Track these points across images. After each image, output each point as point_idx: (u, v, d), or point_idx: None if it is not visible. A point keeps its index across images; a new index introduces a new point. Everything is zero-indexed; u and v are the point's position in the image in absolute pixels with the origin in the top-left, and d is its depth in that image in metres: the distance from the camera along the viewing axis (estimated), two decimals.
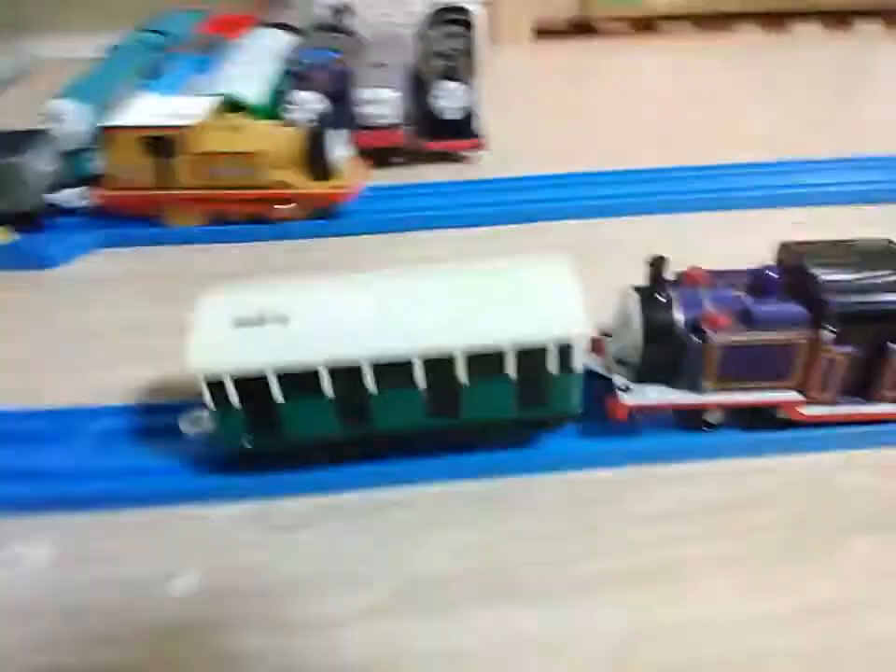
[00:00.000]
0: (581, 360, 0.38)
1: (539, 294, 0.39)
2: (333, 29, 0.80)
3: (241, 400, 0.37)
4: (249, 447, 0.39)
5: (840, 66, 0.97)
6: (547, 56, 1.02)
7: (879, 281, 0.39)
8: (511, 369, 0.38)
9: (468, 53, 0.77)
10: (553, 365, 0.38)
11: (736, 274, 0.42)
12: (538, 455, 0.42)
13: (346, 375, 0.37)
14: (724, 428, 0.42)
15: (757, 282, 0.40)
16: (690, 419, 0.42)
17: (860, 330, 0.39)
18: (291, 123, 0.65)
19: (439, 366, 0.37)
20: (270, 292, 0.39)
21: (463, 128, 0.70)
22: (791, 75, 0.93)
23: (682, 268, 0.43)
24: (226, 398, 0.37)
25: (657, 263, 0.41)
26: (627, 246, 0.52)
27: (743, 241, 0.49)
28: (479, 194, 0.66)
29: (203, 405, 0.38)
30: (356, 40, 0.80)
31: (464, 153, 0.72)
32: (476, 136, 0.71)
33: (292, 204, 0.61)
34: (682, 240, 0.58)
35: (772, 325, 0.39)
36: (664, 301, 0.40)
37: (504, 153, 0.72)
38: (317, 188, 0.60)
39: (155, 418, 0.44)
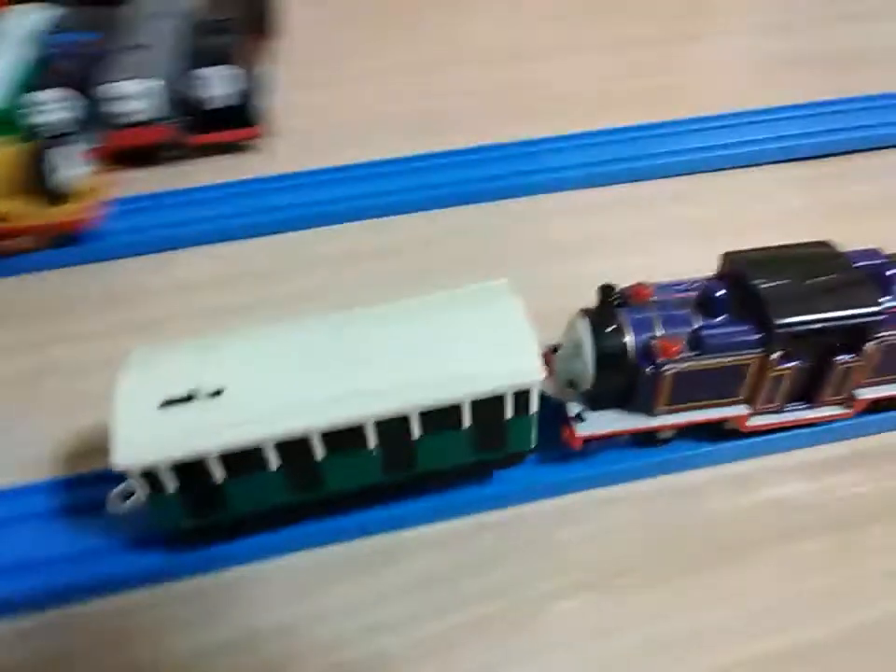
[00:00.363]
0: (536, 401, 0.37)
1: (488, 333, 0.36)
2: (96, 1, 0.63)
3: (179, 485, 0.34)
4: (190, 527, 0.36)
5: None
6: (354, 15, 0.83)
7: (824, 294, 0.39)
8: (466, 419, 0.36)
9: (256, 21, 0.66)
10: (509, 410, 0.36)
11: (684, 288, 0.41)
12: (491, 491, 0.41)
13: (293, 446, 0.34)
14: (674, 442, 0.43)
15: (705, 300, 0.40)
16: (643, 437, 0.42)
17: (806, 346, 0.39)
18: (31, 134, 0.54)
19: (392, 424, 0.35)
20: (195, 358, 0.35)
21: (237, 115, 0.59)
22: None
23: (628, 284, 0.42)
24: (160, 484, 0.33)
25: (607, 290, 0.39)
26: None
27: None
28: (259, 196, 0.56)
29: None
30: (123, 15, 0.64)
31: (249, 143, 0.62)
32: (254, 124, 0.60)
33: (20, 237, 0.51)
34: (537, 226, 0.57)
35: (722, 350, 0.38)
36: (614, 328, 0.39)
37: (308, 139, 0.63)
38: (43, 216, 0.50)
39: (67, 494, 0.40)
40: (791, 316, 0.38)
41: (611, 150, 0.62)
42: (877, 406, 0.43)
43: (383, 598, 0.37)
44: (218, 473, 0.34)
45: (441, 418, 0.35)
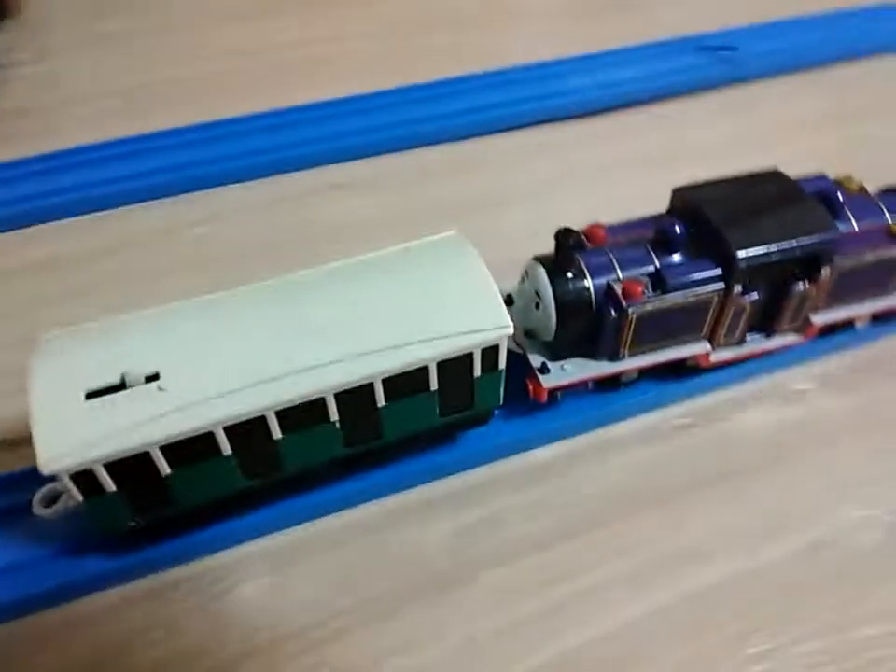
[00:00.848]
0: (504, 356, 0.34)
1: (448, 287, 0.34)
2: None
3: (118, 483, 0.30)
4: (134, 526, 0.32)
5: None
6: None
7: (780, 224, 0.38)
8: (433, 382, 0.33)
9: None
10: (478, 368, 0.34)
11: (637, 227, 0.40)
12: (459, 453, 0.39)
13: (247, 427, 0.30)
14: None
15: (662, 236, 0.38)
16: (606, 382, 0.41)
17: (765, 277, 0.38)
18: None
19: (354, 394, 0.32)
20: (116, 341, 0.31)
21: None
22: None
23: (582, 226, 0.40)
24: (98, 485, 0.29)
25: (565, 237, 0.37)
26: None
27: None
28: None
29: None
30: None
31: None
32: None
33: None
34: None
35: (685, 288, 0.37)
36: (574, 275, 0.37)
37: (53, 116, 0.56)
38: None
39: None
40: (751, 248, 0.37)
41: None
42: (829, 329, 0.43)
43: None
44: (165, 466, 0.30)
45: (406, 383, 0.33)
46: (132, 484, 0.30)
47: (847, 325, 0.44)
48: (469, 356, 0.33)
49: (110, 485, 0.29)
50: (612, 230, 0.40)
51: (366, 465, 0.37)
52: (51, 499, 0.34)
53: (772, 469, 0.40)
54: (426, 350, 0.32)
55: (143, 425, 0.29)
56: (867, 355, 0.45)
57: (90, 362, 0.30)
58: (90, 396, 0.29)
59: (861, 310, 0.43)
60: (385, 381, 0.32)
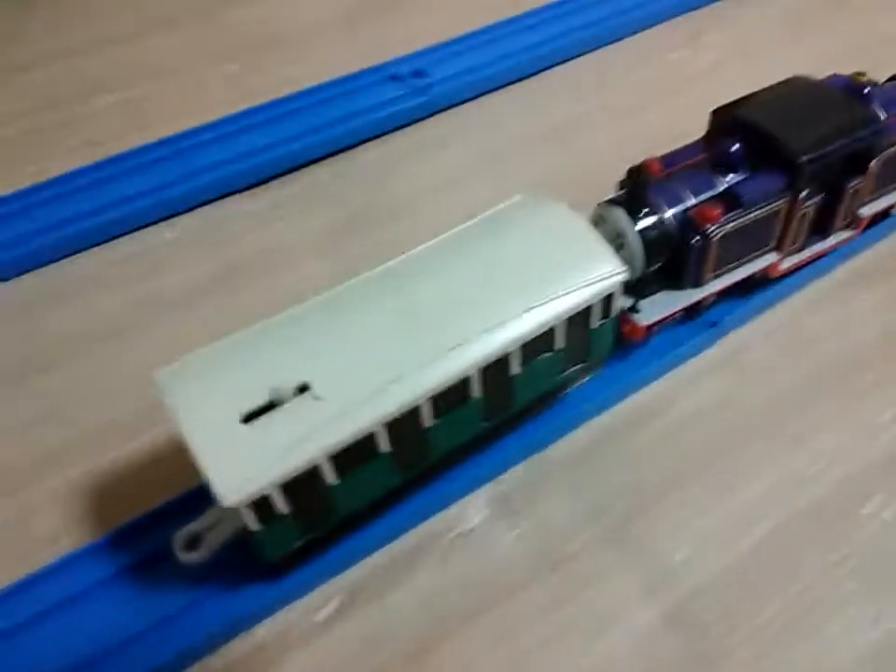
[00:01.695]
0: (618, 303, 0.35)
1: (559, 246, 0.34)
2: None
3: (290, 503, 0.29)
4: (301, 544, 0.31)
5: None
6: None
7: (829, 123, 0.39)
8: (559, 341, 0.33)
9: None
10: (595, 319, 0.34)
11: (689, 153, 0.41)
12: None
13: (402, 421, 0.30)
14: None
15: (721, 158, 0.39)
16: (690, 311, 0.41)
17: (823, 178, 0.40)
18: None
19: (492, 367, 0.32)
20: (246, 360, 0.30)
21: None
22: None
23: (636, 163, 0.40)
24: (272, 509, 0.28)
25: (636, 173, 0.37)
26: None
27: None
28: None
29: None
30: None
31: None
32: None
33: None
34: None
35: (758, 202, 0.38)
36: (651, 209, 0.37)
37: None
38: None
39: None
40: (812, 152, 0.38)
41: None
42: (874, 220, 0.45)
43: None
44: (331, 476, 0.29)
45: (535, 347, 0.32)
46: (301, 502, 0.29)
47: (884, 215, 0.46)
48: (589, 308, 0.33)
49: (283, 507, 0.29)
50: (666, 161, 0.40)
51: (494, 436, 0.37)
52: (192, 542, 0.32)
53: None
54: (552, 309, 0.32)
55: (310, 438, 0.28)
56: None
57: (233, 385, 0.29)
58: (247, 419, 0.28)
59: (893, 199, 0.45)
60: (520, 348, 0.32)
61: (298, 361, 0.29)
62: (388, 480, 0.32)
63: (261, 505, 0.28)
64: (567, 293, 0.32)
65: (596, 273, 0.33)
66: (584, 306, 0.33)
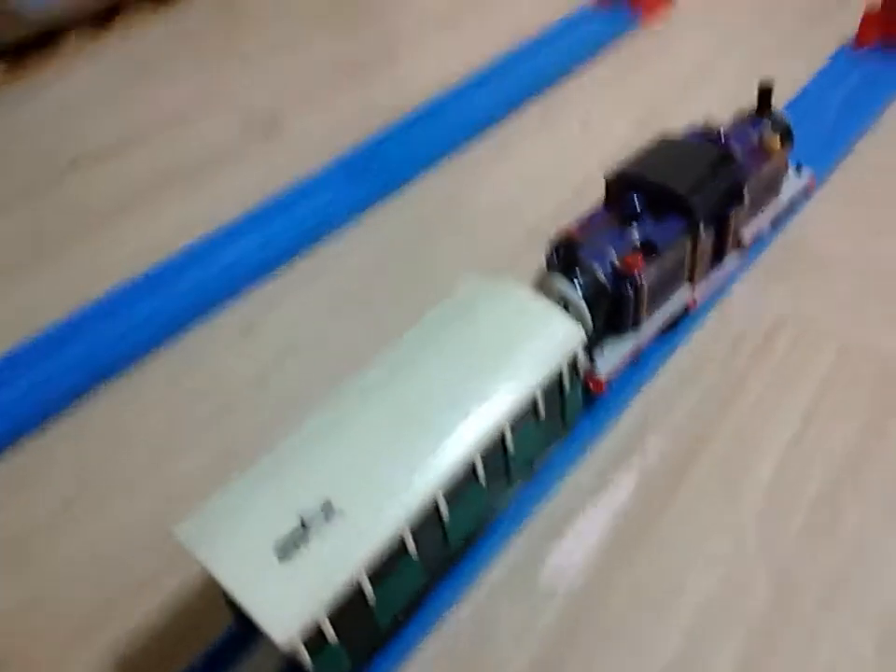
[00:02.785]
0: (582, 362, 0.37)
1: (519, 321, 0.36)
2: None
3: (337, 630, 0.29)
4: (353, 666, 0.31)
5: None
6: None
7: (704, 169, 0.45)
8: (541, 410, 0.35)
9: None
10: (567, 382, 0.37)
11: (597, 216, 0.45)
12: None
13: (423, 519, 0.31)
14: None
15: (628, 214, 0.43)
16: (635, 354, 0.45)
17: (712, 214, 0.45)
18: None
19: (490, 451, 0.33)
20: (267, 491, 0.30)
21: None
22: None
23: (557, 231, 0.44)
24: (323, 640, 0.28)
25: (565, 240, 0.41)
26: None
27: None
28: None
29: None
30: None
31: None
32: None
33: None
34: None
35: (671, 245, 0.43)
36: (586, 271, 0.41)
37: None
38: None
39: None
40: (700, 193, 0.43)
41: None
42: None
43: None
44: (369, 591, 0.29)
45: (524, 418, 0.34)
46: (347, 626, 0.29)
47: (758, 237, 0.52)
48: (561, 372, 0.36)
49: (332, 636, 0.28)
50: (580, 226, 0.44)
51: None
52: None
53: None
54: (532, 381, 0.34)
55: (346, 556, 0.28)
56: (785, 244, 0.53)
57: (257, 522, 0.29)
58: (281, 552, 0.28)
59: (765, 217, 0.51)
60: (510, 425, 0.33)
61: (313, 483, 0.30)
62: (418, 582, 0.32)
63: (312, 637, 0.27)
64: (541, 363, 0.35)
65: (560, 338, 0.36)
66: (558, 371, 0.35)
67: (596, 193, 0.46)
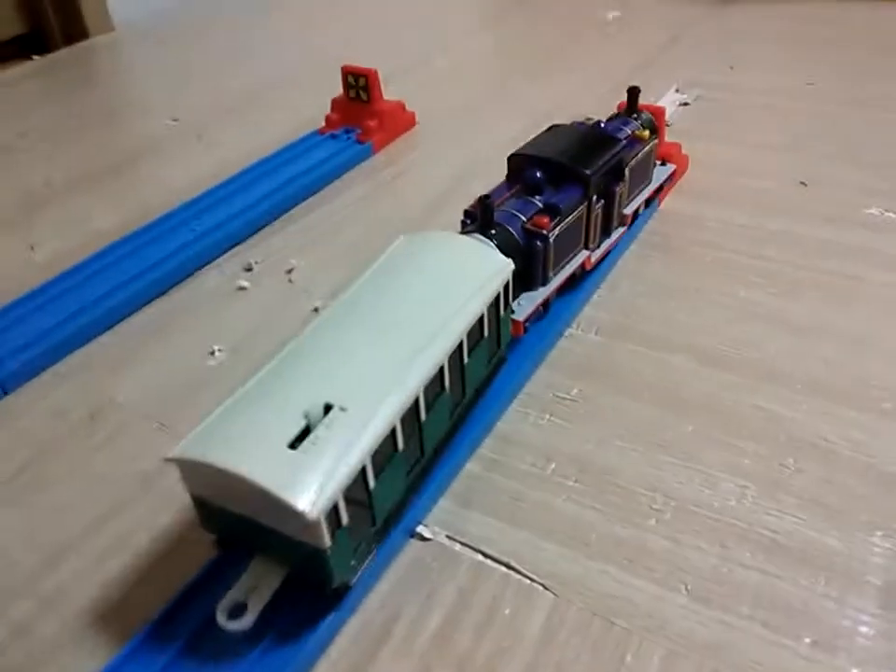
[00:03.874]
0: (511, 294, 0.43)
1: (460, 257, 0.41)
2: None
3: (349, 515, 0.31)
4: (356, 565, 0.34)
5: None
6: None
7: (595, 149, 0.53)
8: (486, 328, 0.40)
9: None
10: (502, 307, 0.42)
11: (503, 188, 0.51)
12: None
13: (408, 416, 0.34)
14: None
15: (531, 186, 0.50)
16: (544, 307, 0.51)
17: (601, 188, 0.53)
18: None
19: (453, 358, 0.37)
20: (268, 399, 0.32)
21: None
22: None
23: (471, 202, 0.50)
24: (339, 522, 0.31)
25: (485, 202, 0.47)
26: None
27: None
28: None
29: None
30: None
31: None
32: None
33: None
34: None
35: (572, 209, 0.50)
36: (501, 230, 0.47)
37: None
38: None
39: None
40: (593, 168, 0.51)
41: None
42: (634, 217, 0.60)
43: None
44: (371, 479, 0.32)
45: (476, 335, 0.39)
46: (353, 512, 0.31)
47: (636, 215, 0.61)
48: (498, 297, 0.41)
49: (346, 518, 0.31)
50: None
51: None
52: (236, 610, 0.33)
53: None
54: (481, 299, 0.39)
55: (353, 444, 0.31)
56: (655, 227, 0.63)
57: (264, 425, 0.31)
58: (292, 446, 0.30)
59: (640, 198, 0.60)
60: (466, 337, 0.38)
61: (311, 388, 0.33)
62: (402, 483, 0.36)
63: (331, 518, 0.30)
64: (486, 284, 0.40)
65: (497, 268, 0.41)
66: (497, 294, 0.40)
67: None
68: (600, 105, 0.73)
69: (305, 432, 0.31)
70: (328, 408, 0.32)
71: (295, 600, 0.34)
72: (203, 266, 0.62)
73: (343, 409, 0.32)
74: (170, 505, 0.41)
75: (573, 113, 0.64)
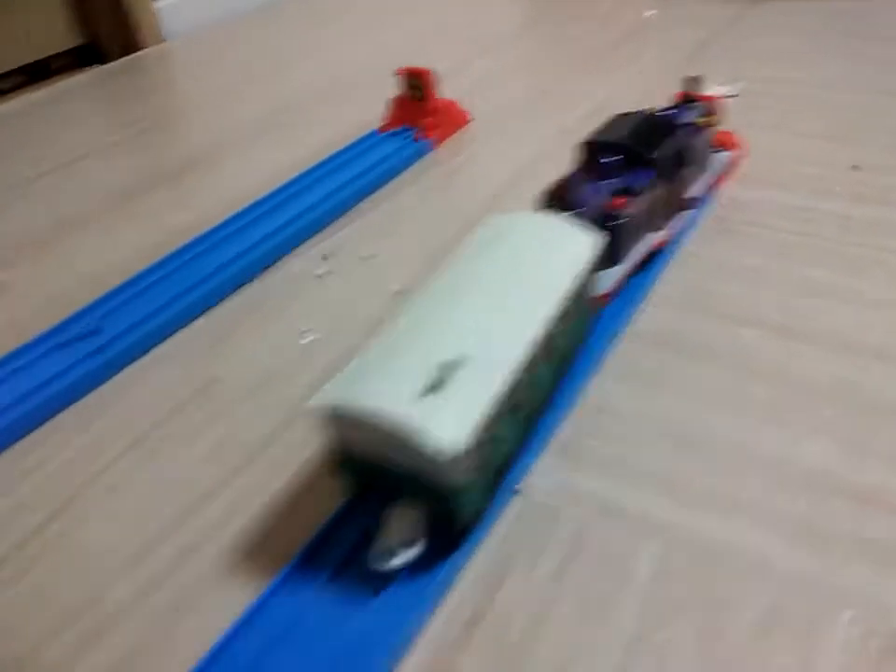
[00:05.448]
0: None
1: (550, 236, 0.44)
2: None
3: (478, 461, 0.34)
4: (480, 508, 0.37)
5: None
6: None
7: (663, 135, 0.56)
8: (577, 301, 0.43)
9: None
10: (593, 281, 0.45)
11: (577, 174, 0.54)
12: None
13: (526, 372, 0.37)
14: None
15: (605, 170, 0.53)
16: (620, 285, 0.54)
17: (670, 170, 0.56)
18: None
19: (557, 324, 0.40)
20: (399, 355, 0.36)
21: None
22: None
23: (546, 188, 0.52)
24: (469, 464, 0.34)
25: (558, 188, 0.50)
26: None
27: None
28: None
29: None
30: None
31: None
32: None
33: None
34: None
35: (643, 191, 0.53)
36: (578, 211, 0.50)
37: None
38: None
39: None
40: (662, 151, 0.54)
41: None
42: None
43: None
44: (497, 426, 0.35)
45: (570, 306, 0.42)
46: (483, 456, 0.35)
47: (699, 199, 0.64)
48: (587, 270, 0.44)
49: (476, 461, 0.34)
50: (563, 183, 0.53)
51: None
52: (379, 553, 0.35)
53: None
54: (572, 274, 0.42)
55: (482, 392, 0.34)
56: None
57: (398, 376, 0.34)
58: (426, 392, 0.33)
59: (703, 183, 0.63)
60: (563, 307, 0.41)
61: (439, 342, 0.36)
62: (520, 433, 0.39)
63: (464, 458, 0.33)
64: (577, 259, 0.43)
65: (586, 244, 0.44)
66: (587, 267, 0.43)
67: None
68: (648, 99, 0.76)
69: (437, 381, 0.34)
70: (456, 360, 0.35)
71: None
72: (283, 257, 0.66)
73: (471, 360, 0.35)
74: (288, 464, 0.44)
75: (622, 107, 0.67)
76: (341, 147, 0.82)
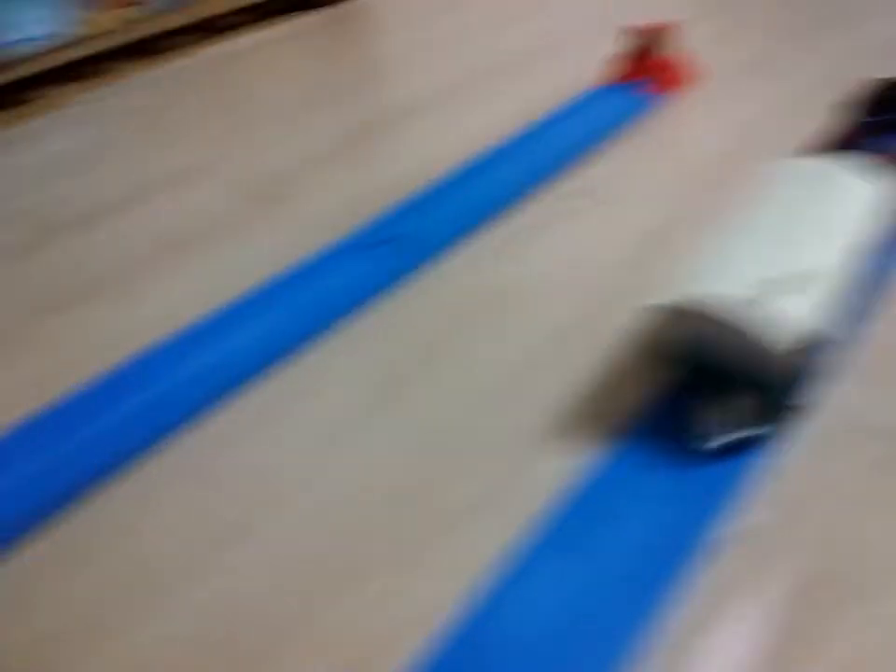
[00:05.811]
0: None
1: (830, 174, 0.50)
2: None
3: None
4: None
5: None
6: None
7: None
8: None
9: None
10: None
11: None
12: None
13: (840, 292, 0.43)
14: None
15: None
16: None
17: None
18: None
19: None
20: (731, 265, 0.43)
21: None
22: None
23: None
24: (797, 360, 0.40)
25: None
26: None
27: None
28: None
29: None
30: None
31: None
32: None
33: None
34: None
35: None
36: None
37: None
38: None
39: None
40: None
41: None
42: None
43: None
44: (819, 332, 0.41)
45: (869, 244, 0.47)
46: (807, 356, 0.41)
47: None
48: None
49: (802, 359, 0.40)
50: None
51: None
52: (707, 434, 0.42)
53: None
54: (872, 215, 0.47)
55: (810, 300, 0.41)
56: None
57: (733, 280, 0.42)
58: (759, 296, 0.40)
59: None
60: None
61: (765, 256, 0.43)
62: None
63: (795, 354, 0.39)
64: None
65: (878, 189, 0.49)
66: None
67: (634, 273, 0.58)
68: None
69: (770, 287, 0.40)
70: (785, 272, 0.41)
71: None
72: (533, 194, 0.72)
73: (799, 272, 0.41)
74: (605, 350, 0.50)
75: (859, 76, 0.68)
76: (562, 100, 0.86)
